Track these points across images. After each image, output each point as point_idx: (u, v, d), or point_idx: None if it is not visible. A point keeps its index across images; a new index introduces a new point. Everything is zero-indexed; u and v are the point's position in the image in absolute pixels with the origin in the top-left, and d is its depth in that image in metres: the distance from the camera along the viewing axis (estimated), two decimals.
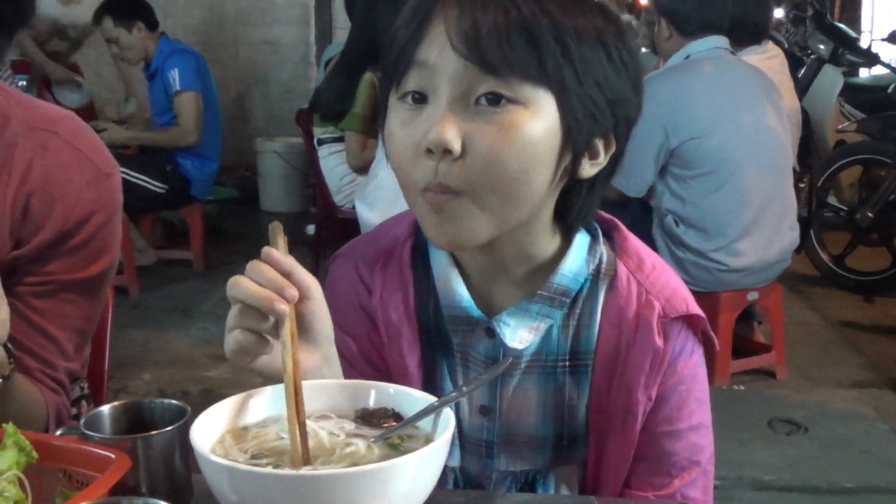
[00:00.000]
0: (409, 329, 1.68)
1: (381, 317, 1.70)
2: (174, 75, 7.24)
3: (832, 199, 7.71)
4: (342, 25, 9.62)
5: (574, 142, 1.50)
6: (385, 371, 1.71)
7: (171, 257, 7.65)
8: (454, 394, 1.36)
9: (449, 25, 1.44)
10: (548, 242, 1.61)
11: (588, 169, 1.55)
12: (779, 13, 10.21)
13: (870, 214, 7.21)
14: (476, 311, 1.64)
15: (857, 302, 7.11)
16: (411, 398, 1.37)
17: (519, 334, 1.61)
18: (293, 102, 9.90)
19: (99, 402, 2.24)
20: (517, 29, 1.42)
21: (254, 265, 1.38)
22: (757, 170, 4.93)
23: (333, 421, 1.36)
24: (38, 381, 1.85)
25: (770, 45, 6.11)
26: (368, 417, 1.37)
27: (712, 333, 1.66)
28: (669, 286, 1.64)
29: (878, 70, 9.78)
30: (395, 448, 1.29)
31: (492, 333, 1.63)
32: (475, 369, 1.67)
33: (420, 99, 1.49)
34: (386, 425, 1.34)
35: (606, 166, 1.57)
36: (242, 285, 1.36)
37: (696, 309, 1.62)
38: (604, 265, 1.64)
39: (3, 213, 1.82)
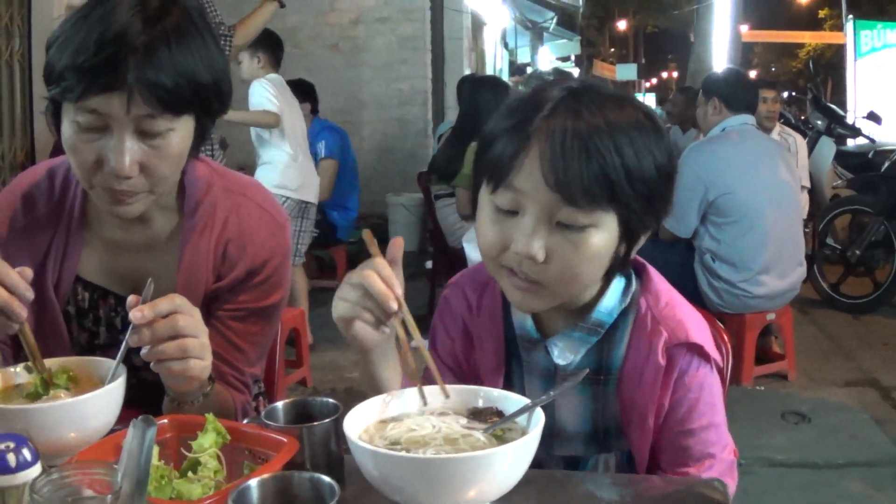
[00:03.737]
0: (495, 342, 1.72)
1: (476, 331, 1.75)
2: (321, 146, 7.27)
3: (830, 241, 7.77)
4: (451, 106, 9.68)
5: (627, 242, 1.53)
6: (470, 372, 1.76)
7: (321, 286, 7.62)
8: (544, 396, 1.36)
9: (542, 160, 1.43)
10: (593, 288, 1.62)
11: (633, 252, 1.58)
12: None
13: (857, 252, 7.40)
14: (535, 334, 1.67)
15: (849, 320, 7.18)
16: (510, 399, 1.39)
17: (564, 354, 1.64)
18: (415, 166, 9.92)
19: (272, 399, 2.27)
20: (596, 170, 1.41)
21: (379, 264, 1.43)
22: (775, 216, 5.00)
23: (451, 416, 1.39)
24: (228, 384, 1.87)
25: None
26: (477, 414, 1.38)
27: (713, 354, 1.63)
28: (676, 318, 1.61)
29: (861, 140, 9.94)
30: (500, 438, 1.31)
31: (547, 351, 1.66)
32: (535, 376, 1.69)
33: (510, 211, 1.50)
34: (491, 420, 1.36)
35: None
36: (372, 280, 1.41)
37: (695, 338, 1.59)
38: (632, 301, 1.64)
39: (207, 255, 1.85)
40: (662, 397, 1.60)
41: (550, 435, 1.69)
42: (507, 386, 1.69)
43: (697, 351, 1.61)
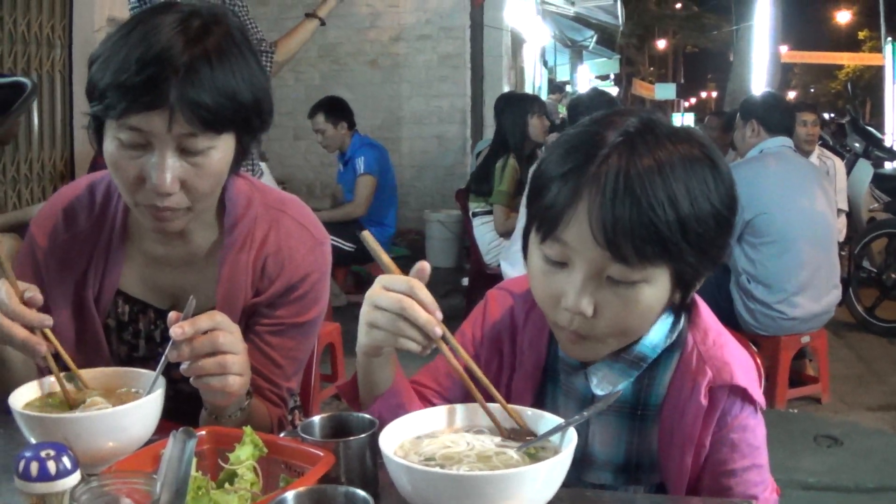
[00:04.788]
0: (535, 361, 1.70)
1: (519, 346, 1.72)
2: (360, 162, 7.29)
3: (866, 264, 7.65)
4: (490, 124, 9.67)
5: (680, 293, 1.51)
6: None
7: (358, 301, 7.58)
8: (577, 416, 1.35)
9: (591, 216, 1.38)
10: None
11: (687, 299, 1.55)
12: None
13: (893, 276, 7.33)
14: (576, 361, 1.64)
15: (883, 344, 7.07)
16: (544, 419, 1.39)
17: (603, 384, 1.60)
18: (453, 183, 9.97)
19: (307, 412, 2.29)
20: (648, 227, 1.36)
21: (416, 288, 1.40)
22: (811, 241, 4.97)
23: (486, 435, 1.39)
24: (265, 398, 1.88)
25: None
26: (512, 433, 1.39)
27: (756, 397, 1.59)
28: (723, 359, 1.57)
29: None
30: (533, 457, 1.31)
31: (586, 378, 1.63)
32: (572, 401, 1.67)
33: (560, 263, 1.46)
34: (525, 439, 1.37)
35: None
36: (414, 310, 1.38)
37: (739, 380, 1.55)
38: (678, 338, 1.61)
39: (247, 270, 1.86)
40: (703, 437, 1.57)
41: (582, 461, 1.68)
42: (540, 406, 1.66)
43: (741, 393, 1.57)
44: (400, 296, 1.39)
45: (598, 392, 1.61)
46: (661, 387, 1.61)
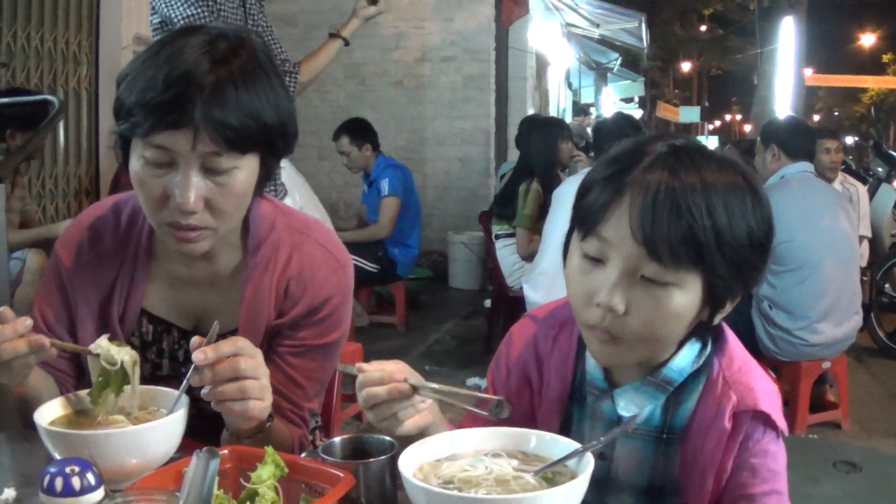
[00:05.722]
0: (561, 385, 1.70)
1: (545, 371, 1.73)
2: (385, 184, 7.33)
3: (888, 289, 7.61)
4: (514, 146, 9.71)
5: (711, 307, 1.52)
6: (519, 411, 1.73)
7: (380, 321, 7.68)
8: (594, 442, 1.36)
9: (632, 212, 1.43)
10: (668, 349, 1.61)
11: (716, 318, 1.56)
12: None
13: None
14: (603, 384, 1.65)
15: None
16: (561, 444, 1.40)
17: (629, 406, 1.62)
18: (476, 205, 9.96)
19: (328, 432, 2.30)
20: (685, 230, 1.40)
21: (364, 379, 1.48)
22: (834, 261, 4.95)
23: (504, 458, 1.40)
24: (286, 418, 1.88)
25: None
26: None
27: (779, 422, 1.59)
28: (748, 385, 1.59)
29: None
30: (550, 481, 1.32)
31: (612, 401, 1.64)
32: (598, 423, 1.67)
33: (597, 260, 1.50)
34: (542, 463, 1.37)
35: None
36: (373, 392, 1.46)
37: (763, 406, 1.57)
38: (704, 363, 1.62)
39: (270, 291, 1.87)
40: (725, 460, 1.57)
41: (606, 484, 1.68)
42: (565, 429, 1.69)
43: (764, 419, 1.58)
44: (362, 391, 1.48)
45: (625, 414, 1.62)
46: (687, 410, 1.62)
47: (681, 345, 1.60)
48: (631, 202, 1.44)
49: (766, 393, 1.60)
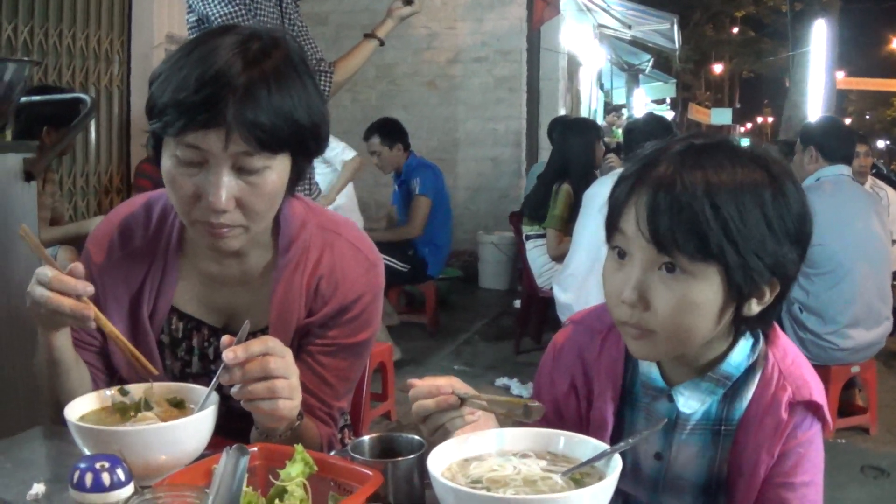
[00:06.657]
0: (613, 389, 1.71)
1: (595, 374, 1.74)
2: (416, 184, 7.33)
3: None
4: (546, 147, 9.69)
5: (735, 299, 1.51)
6: (570, 419, 1.75)
7: (410, 321, 7.68)
8: (621, 444, 1.36)
9: (639, 211, 1.48)
10: (720, 345, 1.62)
11: (754, 308, 1.54)
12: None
13: None
14: (661, 383, 1.66)
15: None
16: (590, 445, 1.39)
17: (689, 403, 1.64)
18: (507, 205, 9.95)
19: (357, 432, 2.30)
20: (688, 222, 1.42)
21: (417, 391, 1.53)
22: (865, 269, 4.91)
23: (532, 458, 1.39)
24: (316, 417, 1.88)
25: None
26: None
27: (828, 416, 1.63)
28: (802, 377, 1.62)
29: None
30: (578, 482, 1.31)
31: (670, 399, 1.65)
32: (653, 423, 1.67)
33: (622, 254, 1.54)
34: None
35: (773, 302, 1.55)
36: (422, 405, 1.50)
37: (818, 397, 1.61)
38: (759, 358, 1.64)
39: (300, 290, 1.87)
40: (773, 449, 1.60)
41: (663, 485, 1.71)
42: (619, 431, 1.71)
43: (814, 410, 1.62)
44: (413, 406, 1.53)
45: (685, 411, 1.65)
46: (744, 402, 1.64)
47: (733, 344, 1.62)
48: (638, 198, 1.49)
49: (817, 386, 1.64)
